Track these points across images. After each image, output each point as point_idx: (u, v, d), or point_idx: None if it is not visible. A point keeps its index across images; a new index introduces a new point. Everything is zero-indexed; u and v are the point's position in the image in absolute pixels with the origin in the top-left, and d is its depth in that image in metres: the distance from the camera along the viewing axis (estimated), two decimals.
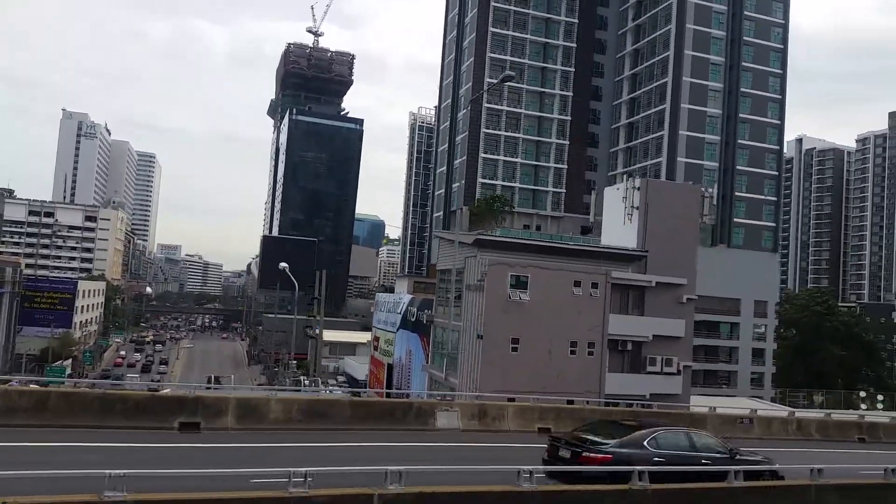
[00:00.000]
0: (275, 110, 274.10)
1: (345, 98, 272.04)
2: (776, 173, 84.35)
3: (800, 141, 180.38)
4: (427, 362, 48.42)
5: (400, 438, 20.78)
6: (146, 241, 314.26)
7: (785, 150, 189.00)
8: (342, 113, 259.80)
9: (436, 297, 47.33)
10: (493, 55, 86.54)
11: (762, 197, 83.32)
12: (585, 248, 43.41)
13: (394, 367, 60.40)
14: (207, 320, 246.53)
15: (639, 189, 43.56)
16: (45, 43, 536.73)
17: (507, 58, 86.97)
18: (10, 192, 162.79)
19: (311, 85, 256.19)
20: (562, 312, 40.31)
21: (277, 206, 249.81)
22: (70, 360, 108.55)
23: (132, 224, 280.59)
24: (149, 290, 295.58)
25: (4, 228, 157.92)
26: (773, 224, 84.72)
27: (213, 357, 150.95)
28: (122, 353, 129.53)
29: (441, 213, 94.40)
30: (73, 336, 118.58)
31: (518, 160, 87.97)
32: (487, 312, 39.19)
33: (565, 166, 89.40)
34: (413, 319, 54.28)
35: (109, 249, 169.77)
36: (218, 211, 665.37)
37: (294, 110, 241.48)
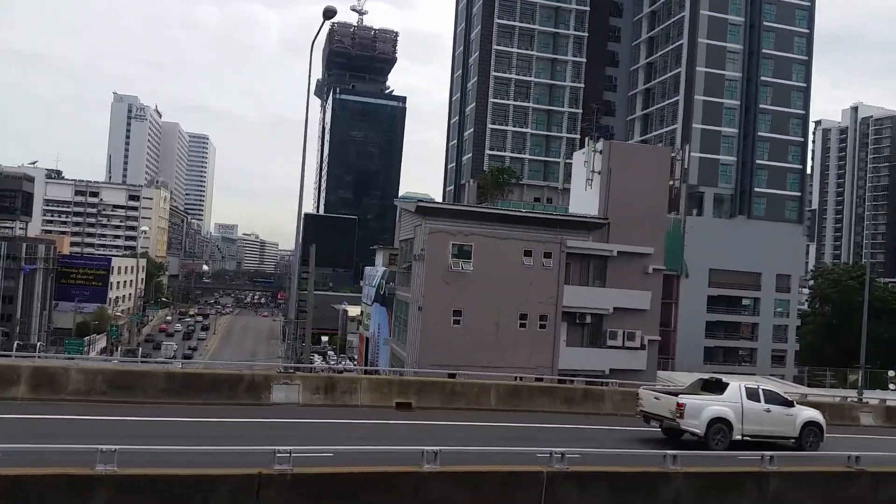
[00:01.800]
0: (321, 90, 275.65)
1: (390, 76, 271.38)
2: (801, 139, 79.21)
3: (855, 109, 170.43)
4: (390, 335, 47.08)
5: (222, 413, 19.41)
6: (201, 220, 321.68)
7: (840, 120, 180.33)
8: (386, 91, 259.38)
9: (397, 270, 45.85)
10: (501, 21, 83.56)
11: (786, 165, 78.42)
12: (540, 216, 41.04)
13: (370, 340, 59.37)
14: (257, 296, 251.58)
15: (601, 152, 40.81)
16: (101, 33, 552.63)
17: (516, 23, 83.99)
18: (58, 172, 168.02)
19: (356, 64, 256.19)
20: (510, 283, 38.23)
21: (323, 185, 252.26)
22: (104, 335, 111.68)
23: (185, 204, 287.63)
24: (205, 267, 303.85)
25: (52, 208, 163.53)
26: (798, 193, 79.76)
27: (250, 332, 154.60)
28: (168, 319, 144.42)
29: (452, 186, 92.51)
30: (108, 311, 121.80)
31: (528, 130, 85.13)
32: (427, 283, 37.46)
33: (578, 136, 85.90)
34: (382, 293, 53.00)
35: (153, 228, 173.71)
36: (275, 191, 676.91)
37: (338, 89, 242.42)
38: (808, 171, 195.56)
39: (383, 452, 12.20)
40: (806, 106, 79.37)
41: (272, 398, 20.45)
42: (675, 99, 78.34)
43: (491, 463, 11.90)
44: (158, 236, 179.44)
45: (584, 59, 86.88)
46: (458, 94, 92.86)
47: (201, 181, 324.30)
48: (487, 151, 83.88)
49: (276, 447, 10.66)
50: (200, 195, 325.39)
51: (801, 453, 15.15)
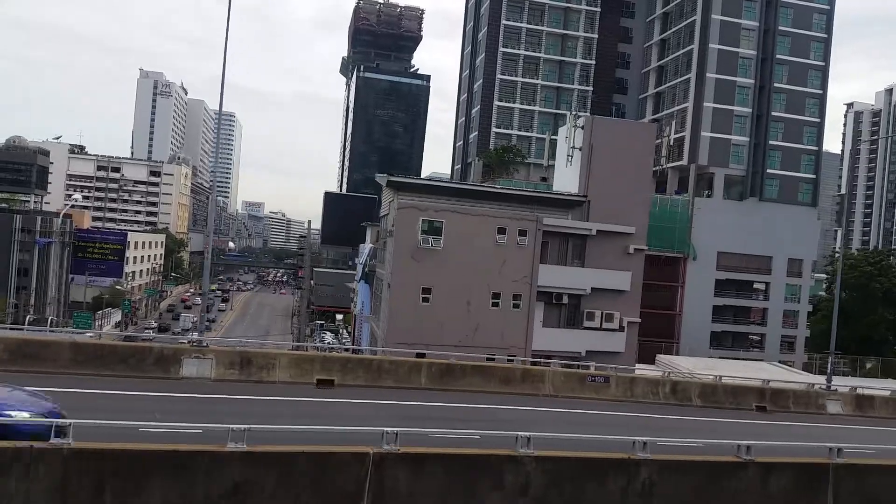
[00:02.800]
0: (346, 69, 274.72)
1: (415, 54, 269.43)
2: (818, 120, 76.28)
3: (889, 91, 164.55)
4: (371, 313, 46.43)
5: (128, 386, 18.91)
6: (227, 197, 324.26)
7: (873, 102, 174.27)
8: (411, 69, 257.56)
9: (376, 247, 45.09)
10: None
11: (800, 146, 75.77)
12: (516, 193, 39.89)
13: (355, 318, 58.81)
14: (280, 274, 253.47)
15: (582, 128, 39.43)
16: (136, 10, 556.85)
17: None
18: (81, 147, 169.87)
19: (381, 42, 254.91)
20: (483, 261, 37.28)
21: (346, 163, 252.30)
22: (119, 309, 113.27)
23: (211, 181, 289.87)
24: (231, 244, 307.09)
25: (75, 183, 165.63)
26: (813, 175, 77.09)
27: (266, 309, 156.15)
28: (191, 292, 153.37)
29: (460, 165, 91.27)
30: (124, 285, 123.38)
31: (536, 108, 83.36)
32: (395, 260, 36.64)
33: (588, 115, 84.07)
34: (366, 270, 52.28)
35: (173, 203, 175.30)
36: (303, 170, 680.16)
37: (362, 67, 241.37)
38: (840, 153, 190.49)
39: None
40: (823, 86, 76.40)
41: (182, 372, 19.90)
42: (687, 77, 75.92)
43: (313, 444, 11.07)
44: (179, 212, 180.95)
45: (595, 35, 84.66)
46: (468, 70, 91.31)
47: (227, 159, 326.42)
48: (494, 129, 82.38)
49: (56, 420, 9.94)
50: (227, 173, 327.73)
51: (686, 442, 14.06)
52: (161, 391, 18.76)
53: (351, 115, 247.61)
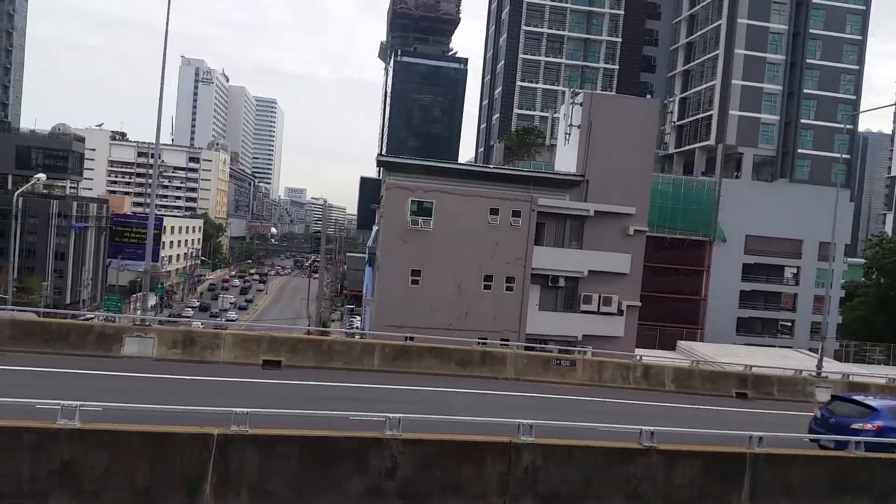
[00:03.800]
0: (385, 53, 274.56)
1: (454, 37, 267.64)
2: (853, 97, 72.97)
3: None
4: (371, 296, 46.09)
5: (65, 364, 18.83)
6: (269, 184, 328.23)
7: None
8: (449, 53, 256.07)
9: (378, 228, 44.68)
10: None
11: (834, 124, 72.56)
12: (510, 173, 38.91)
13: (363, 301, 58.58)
14: (318, 259, 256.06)
15: (581, 105, 38.20)
16: None
17: None
18: (123, 134, 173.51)
19: (419, 25, 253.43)
20: (474, 243, 36.50)
21: (384, 148, 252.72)
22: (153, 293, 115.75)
23: (253, 167, 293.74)
24: (273, 230, 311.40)
25: (116, 169, 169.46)
26: (848, 155, 74.02)
27: (301, 292, 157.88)
28: (232, 274, 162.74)
29: (483, 148, 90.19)
30: (160, 269, 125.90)
31: (559, 88, 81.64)
32: (384, 241, 36.16)
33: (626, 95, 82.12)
34: (371, 253, 51.94)
35: (212, 189, 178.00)
36: (346, 155, 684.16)
37: (399, 52, 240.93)
38: (891, 134, 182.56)
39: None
40: (860, 61, 72.97)
41: (123, 351, 19.74)
42: (716, 53, 73.38)
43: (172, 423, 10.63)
44: (218, 198, 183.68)
45: (622, 12, 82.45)
46: (491, 51, 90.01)
47: (269, 145, 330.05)
48: (516, 111, 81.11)
49: None
50: (269, 159, 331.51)
51: (581, 424, 13.20)
52: (98, 369, 18.62)
53: (389, 100, 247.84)
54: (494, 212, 36.58)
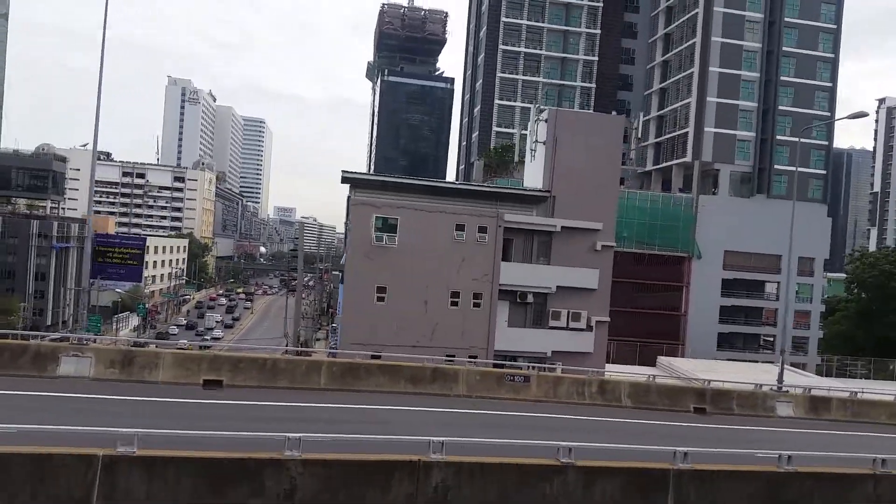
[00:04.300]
0: (372, 73, 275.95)
1: (440, 57, 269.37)
2: (828, 114, 73.53)
3: None
4: (339, 312, 45.72)
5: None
6: (258, 203, 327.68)
7: None
8: (436, 73, 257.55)
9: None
10: None
11: (810, 141, 73.05)
12: (476, 189, 38.75)
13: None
14: (305, 278, 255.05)
15: (546, 121, 38.19)
16: (173, 14, 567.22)
17: None
18: (107, 154, 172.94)
19: (406, 45, 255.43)
20: (441, 259, 36.25)
21: (372, 167, 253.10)
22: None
23: (241, 187, 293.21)
24: (262, 249, 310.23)
25: (100, 189, 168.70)
26: (823, 171, 74.31)
27: (288, 311, 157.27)
28: (220, 293, 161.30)
29: (463, 165, 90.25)
30: (143, 289, 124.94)
31: (537, 106, 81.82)
32: (350, 258, 35.84)
33: (591, 112, 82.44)
34: (341, 271, 51.66)
35: (197, 209, 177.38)
36: (336, 174, 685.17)
37: (386, 71, 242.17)
38: (872, 150, 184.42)
39: None
40: (833, 78, 73.64)
41: (59, 371, 19.34)
42: (691, 71, 73.90)
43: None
44: (204, 217, 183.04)
45: (598, 31, 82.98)
46: (470, 69, 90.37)
47: (258, 164, 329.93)
48: (495, 128, 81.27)
49: None
50: (257, 179, 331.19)
51: (496, 441, 12.87)
52: (30, 390, 18.20)
53: (376, 119, 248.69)
54: (460, 228, 36.38)
